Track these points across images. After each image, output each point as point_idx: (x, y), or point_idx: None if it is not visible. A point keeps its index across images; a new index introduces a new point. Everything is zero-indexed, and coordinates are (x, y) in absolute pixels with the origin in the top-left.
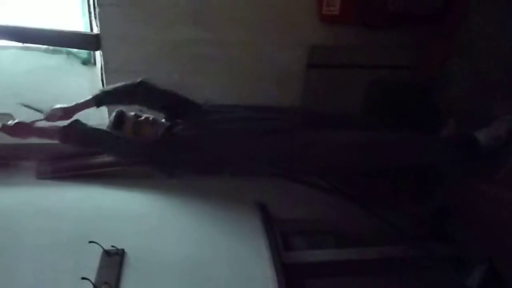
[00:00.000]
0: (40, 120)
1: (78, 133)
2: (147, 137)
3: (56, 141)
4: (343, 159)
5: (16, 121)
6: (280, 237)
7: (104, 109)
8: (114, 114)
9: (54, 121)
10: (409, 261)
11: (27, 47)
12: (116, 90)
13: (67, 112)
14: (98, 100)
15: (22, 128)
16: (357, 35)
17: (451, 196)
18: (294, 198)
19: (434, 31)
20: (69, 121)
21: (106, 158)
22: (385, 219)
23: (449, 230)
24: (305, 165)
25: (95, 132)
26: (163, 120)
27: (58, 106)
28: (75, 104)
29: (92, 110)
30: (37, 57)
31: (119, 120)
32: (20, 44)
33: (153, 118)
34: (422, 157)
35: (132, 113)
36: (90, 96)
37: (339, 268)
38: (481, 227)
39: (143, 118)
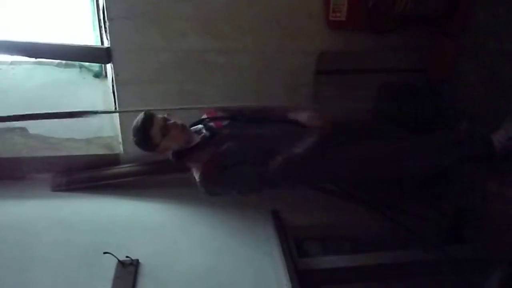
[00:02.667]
0: None
1: None
2: (175, 141)
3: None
4: (371, 171)
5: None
6: (294, 244)
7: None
8: (142, 114)
9: None
10: (426, 265)
11: (40, 62)
12: None
13: None
14: None
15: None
16: (365, 39)
17: (467, 198)
18: (307, 204)
19: (441, 32)
20: None
21: (119, 169)
22: (401, 223)
23: (467, 233)
24: (329, 177)
25: None
26: (200, 127)
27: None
28: None
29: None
30: (50, 72)
31: (148, 121)
32: (33, 60)
33: (182, 124)
34: (438, 160)
35: (161, 116)
36: None
37: (355, 274)
38: (499, 229)
39: (172, 122)
